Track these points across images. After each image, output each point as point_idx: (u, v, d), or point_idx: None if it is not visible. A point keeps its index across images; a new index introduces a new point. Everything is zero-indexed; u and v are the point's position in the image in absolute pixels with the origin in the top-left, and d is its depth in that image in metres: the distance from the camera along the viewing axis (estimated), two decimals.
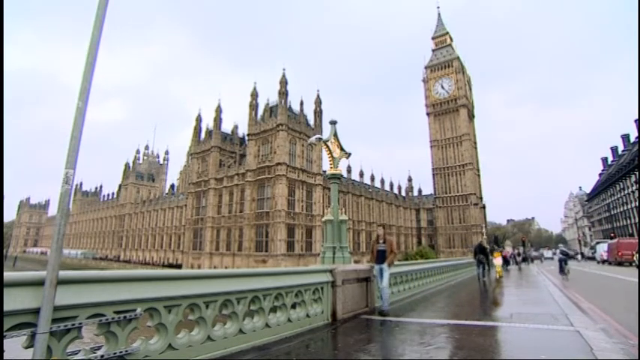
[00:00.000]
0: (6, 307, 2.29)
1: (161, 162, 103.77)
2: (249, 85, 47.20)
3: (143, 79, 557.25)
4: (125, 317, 2.93)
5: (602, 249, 38.99)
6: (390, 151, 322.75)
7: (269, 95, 46.68)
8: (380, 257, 6.98)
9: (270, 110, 44.98)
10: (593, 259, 46.64)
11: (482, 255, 15.41)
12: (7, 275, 2.39)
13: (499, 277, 16.44)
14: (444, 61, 75.20)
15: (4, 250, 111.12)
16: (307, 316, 5.24)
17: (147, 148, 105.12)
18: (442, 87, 74.13)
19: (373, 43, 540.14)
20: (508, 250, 31.45)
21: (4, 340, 2.27)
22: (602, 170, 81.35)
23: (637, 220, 54.11)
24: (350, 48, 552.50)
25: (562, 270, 18.00)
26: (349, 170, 58.28)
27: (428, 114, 75.65)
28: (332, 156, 7.74)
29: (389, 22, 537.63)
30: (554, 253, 53.89)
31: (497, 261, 16.96)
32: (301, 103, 46.70)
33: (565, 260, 18.48)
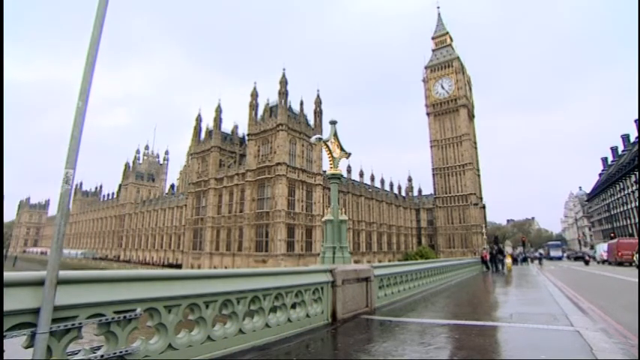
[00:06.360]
0: (6, 307, 2.28)
1: (161, 162, 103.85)
2: (248, 89, 47.09)
3: (145, 89, 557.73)
4: (125, 317, 2.93)
5: (601, 249, 39.01)
6: (389, 153, 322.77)
7: (269, 98, 46.75)
8: None
9: (270, 110, 44.97)
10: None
11: (500, 255, 24.17)
12: (7, 275, 2.38)
13: (509, 270, 23.45)
14: (444, 61, 75.22)
15: (4, 250, 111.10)
16: (307, 316, 5.23)
17: (147, 148, 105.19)
18: (442, 87, 74.15)
19: (372, 47, 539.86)
20: (508, 249, 38.32)
21: (4, 340, 2.27)
22: (602, 170, 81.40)
23: (637, 220, 54.11)
24: (348, 52, 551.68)
25: (540, 263, 36.37)
26: (349, 170, 58.28)
27: (428, 114, 75.69)
28: (332, 156, 7.72)
29: (388, 25, 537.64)
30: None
31: (508, 260, 24.91)
32: (301, 103, 46.72)
33: (541, 259, 38.78)
